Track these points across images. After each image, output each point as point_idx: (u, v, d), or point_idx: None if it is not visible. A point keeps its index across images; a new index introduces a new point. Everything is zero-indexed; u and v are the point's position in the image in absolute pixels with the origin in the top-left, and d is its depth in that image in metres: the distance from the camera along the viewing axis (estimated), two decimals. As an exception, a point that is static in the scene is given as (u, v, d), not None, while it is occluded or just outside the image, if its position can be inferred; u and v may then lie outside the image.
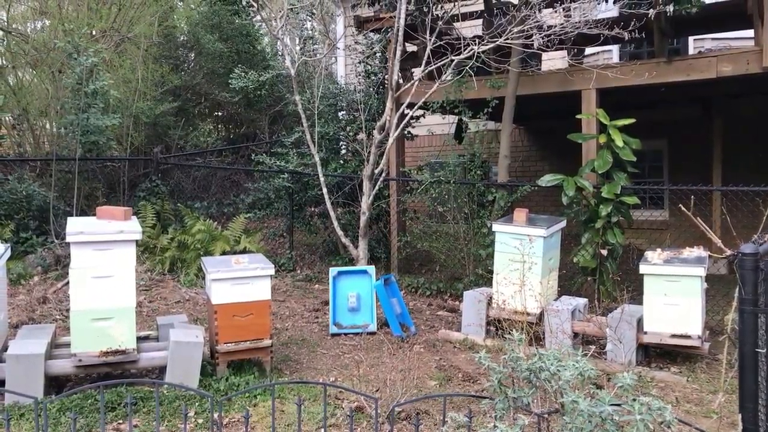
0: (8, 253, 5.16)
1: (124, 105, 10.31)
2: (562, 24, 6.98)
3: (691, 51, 10.55)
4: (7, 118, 9.98)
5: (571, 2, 7.34)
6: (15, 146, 10.62)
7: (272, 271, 5.30)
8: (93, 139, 8.77)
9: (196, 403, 4.55)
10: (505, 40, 6.92)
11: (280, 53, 13.09)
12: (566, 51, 7.83)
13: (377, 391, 4.66)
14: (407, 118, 7.75)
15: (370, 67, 9.72)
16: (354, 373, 5.26)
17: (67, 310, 6.36)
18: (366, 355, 5.72)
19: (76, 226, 4.74)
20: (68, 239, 4.64)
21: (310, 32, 10.19)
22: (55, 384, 4.81)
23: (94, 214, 5.12)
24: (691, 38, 10.66)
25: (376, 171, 7.63)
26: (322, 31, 10.10)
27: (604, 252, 6.60)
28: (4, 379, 4.48)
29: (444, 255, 8.15)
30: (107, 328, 4.70)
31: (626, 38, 6.72)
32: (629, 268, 7.19)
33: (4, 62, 10.70)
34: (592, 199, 6.81)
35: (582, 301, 6.21)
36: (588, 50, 9.65)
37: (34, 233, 8.49)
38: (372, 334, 6.51)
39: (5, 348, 4.69)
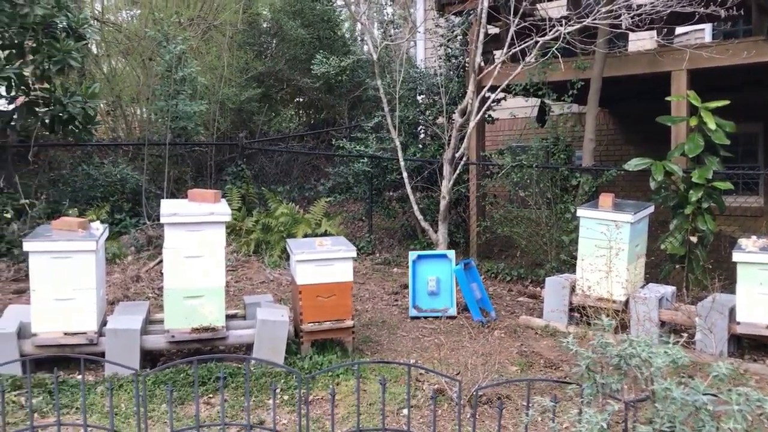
0: (107, 233, 5.41)
1: (210, 91, 10.63)
2: (652, 2, 6.73)
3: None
4: (102, 105, 10.45)
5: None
6: (109, 131, 11.13)
7: (354, 254, 5.37)
8: (182, 124, 9.11)
9: (281, 380, 4.69)
10: (592, 20, 6.74)
11: (360, 38, 13.15)
12: (656, 31, 7.53)
13: (458, 374, 4.67)
14: (489, 102, 7.66)
15: (450, 51, 9.64)
16: (434, 356, 5.29)
17: (159, 289, 6.66)
18: (446, 339, 5.74)
19: (169, 208, 4.93)
20: (162, 220, 4.85)
21: (390, 17, 10.19)
22: (149, 358, 5.04)
23: (184, 197, 5.31)
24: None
25: (457, 155, 7.59)
26: (402, 15, 10.07)
27: (694, 239, 6.36)
28: (103, 351, 4.75)
29: (525, 240, 8.03)
30: (198, 306, 4.89)
31: (722, 16, 6.39)
32: (720, 256, 6.90)
33: (99, 51, 11.21)
34: (681, 184, 6.56)
35: (670, 289, 6.02)
36: (678, 30, 9.26)
37: (128, 215, 8.89)
38: (452, 318, 6.51)
39: (104, 323, 4.95)
